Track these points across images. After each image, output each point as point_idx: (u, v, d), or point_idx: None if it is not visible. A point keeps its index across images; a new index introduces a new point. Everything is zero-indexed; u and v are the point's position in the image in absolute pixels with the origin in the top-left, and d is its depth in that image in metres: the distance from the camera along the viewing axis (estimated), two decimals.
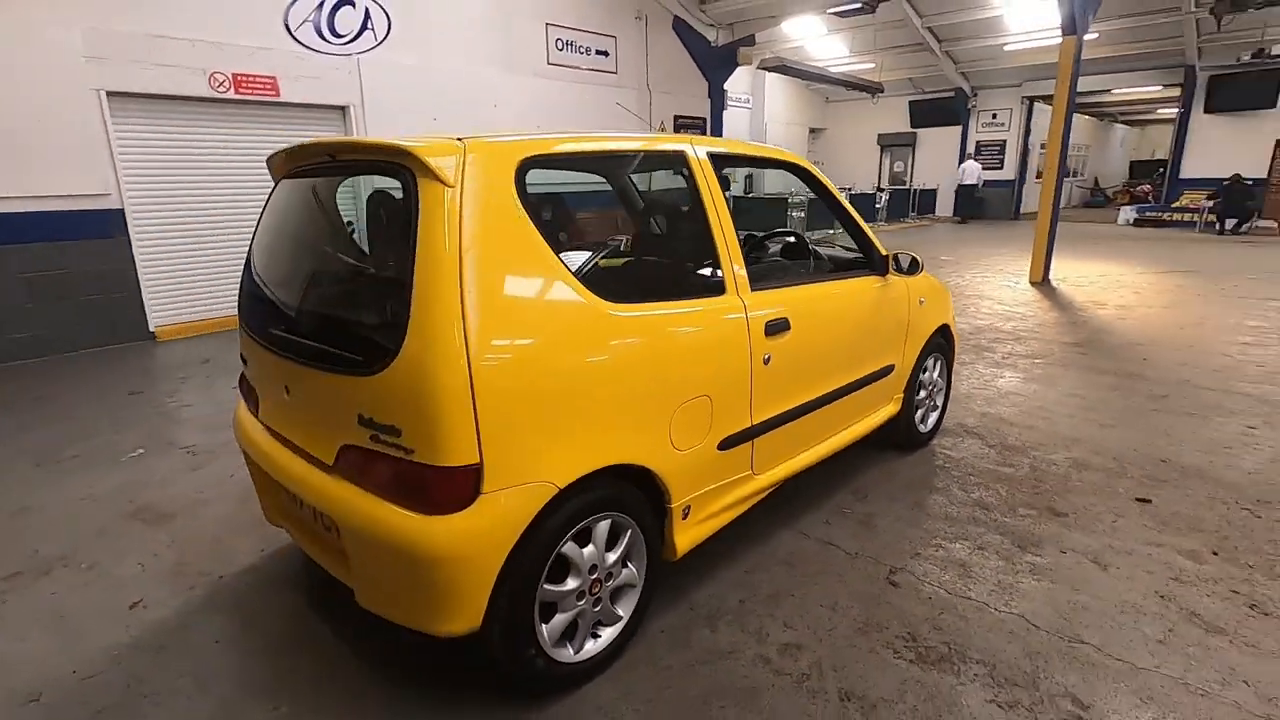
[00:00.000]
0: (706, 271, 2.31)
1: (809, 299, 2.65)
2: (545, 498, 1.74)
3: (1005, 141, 19.12)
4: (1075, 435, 3.80)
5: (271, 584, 2.56)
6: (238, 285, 2.44)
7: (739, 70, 12.42)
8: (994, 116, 19.16)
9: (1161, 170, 19.52)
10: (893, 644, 2.15)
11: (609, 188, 3.49)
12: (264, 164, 2.35)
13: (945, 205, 19.80)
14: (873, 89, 17.91)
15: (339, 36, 7.29)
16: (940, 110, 19.52)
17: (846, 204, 3.03)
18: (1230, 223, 14.32)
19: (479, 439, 1.62)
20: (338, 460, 1.84)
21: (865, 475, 3.32)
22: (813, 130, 21.78)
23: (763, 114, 18.18)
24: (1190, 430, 3.85)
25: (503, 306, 1.69)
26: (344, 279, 2.10)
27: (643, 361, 1.97)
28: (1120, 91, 18.60)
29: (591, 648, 2.00)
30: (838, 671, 2.03)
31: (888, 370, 3.16)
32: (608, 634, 2.04)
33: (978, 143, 19.50)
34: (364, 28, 7.47)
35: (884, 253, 3.07)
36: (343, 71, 7.35)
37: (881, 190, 18.44)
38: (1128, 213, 16.88)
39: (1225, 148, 15.49)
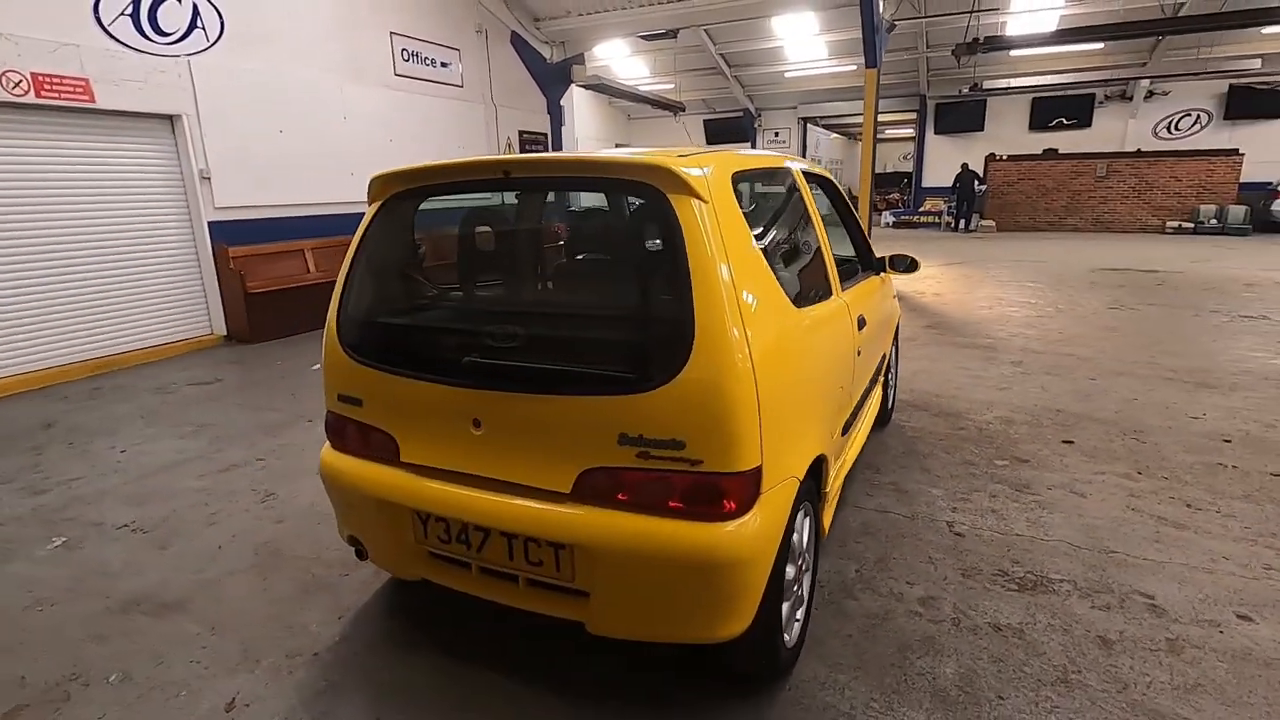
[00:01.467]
0: (821, 275, 2.54)
1: (863, 296, 3.00)
2: (794, 491, 1.86)
3: None
4: (987, 399, 4.62)
5: (386, 644, 2.29)
6: (332, 323, 2.16)
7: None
8: (776, 134, 21.59)
9: (906, 181, 23.40)
10: (995, 580, 2.55)
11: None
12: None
13: None
14: (675, 108, 19.23)
15: (164, 35, 6.29)
16: (731, 128, 21.53)
17: (855, 211, 3.44)
18: (963, 223, 17.68)
19: (761, 441, 1.70)
20: (578, 486, 1.78)
21: (863, 452, 3.77)
22: (618, 145, 22.79)
23: (574, 130, 18.67)
24: (1057, 385, 4.87)
25: (754, 311, 1.77)
26: (591, 298, 2.01)
27: (820, 356, 2.16)
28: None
29: (796, 631, 2.13)
30: (975, 610, 2.38)
31: (887, 357, 3.64)
32: (800, 616, 2.18)
33: None
34: (193, 26, 6.51)
35: (877, 255, 3.53)
36: (171, 75, 6.34)
37: None
38: (888, 217, 20.03)
39: (953, 162, 19.03)
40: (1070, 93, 17.44)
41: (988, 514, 3.06)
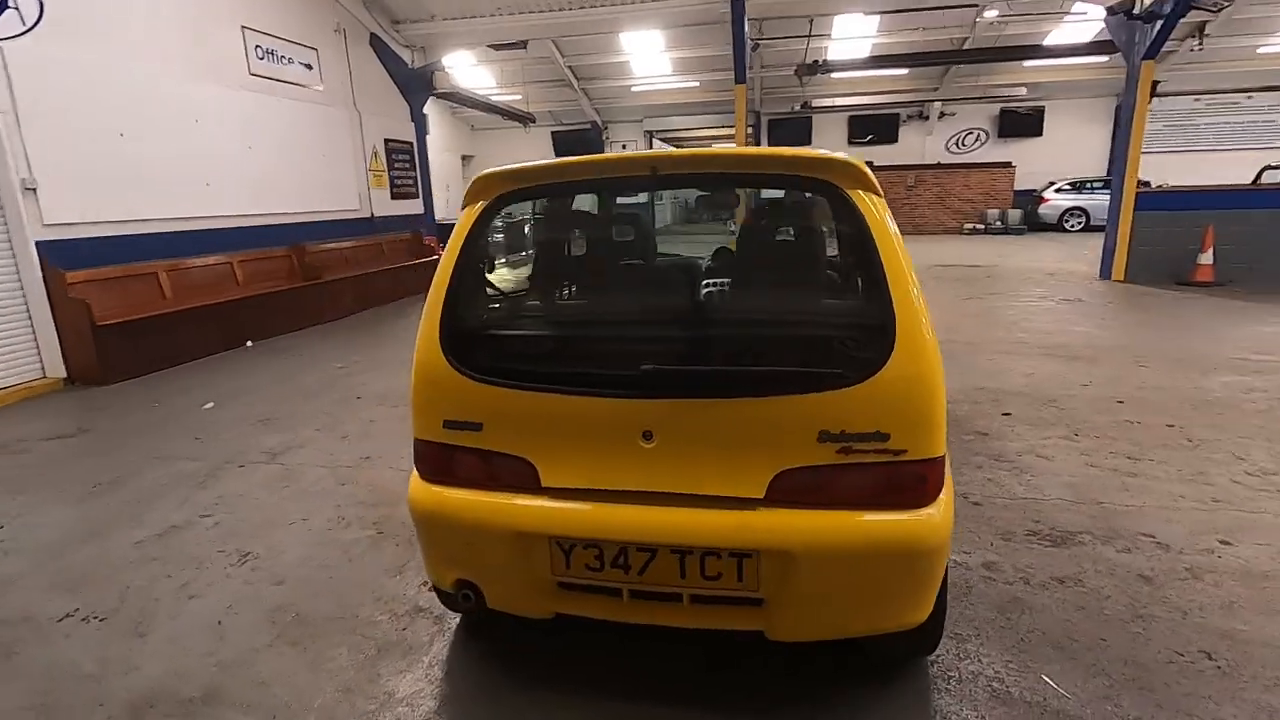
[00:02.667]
0: None
1: None
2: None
3: None
4: None
5: (499, 691, 2.06)
6: (432, 340, 1.90)
7: None
8: (624, 147, 22.08)
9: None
10: (1029, 540, 2.84)
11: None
12: None
13: None
14: (526, 119, 19.03)
15: None
16: (579, 140, 21.69)
17: None
18: None
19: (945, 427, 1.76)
20: (772, 489, 1.73)
21: None
22: (464, 157, 22.06)
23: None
24: (965, 367, 5.48)
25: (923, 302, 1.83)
26: (778, 297, 1.90)
27: None
28: (709, 130, 23.33)
29: None
30: (1032, 568, 2.63)
31: None
32: None
33: None
34: (1, 4, 5.36)
35: None
36: None
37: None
38: (732, 226, 21.28)
39: None
40: (880, 112, 19.69)
41: (987, 483, 3.38)
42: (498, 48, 13.89)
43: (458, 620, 2.43)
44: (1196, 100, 18.02)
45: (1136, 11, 8.72)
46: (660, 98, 19.87)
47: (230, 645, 2.34)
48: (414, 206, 11.36)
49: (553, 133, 21.76)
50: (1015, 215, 18.12)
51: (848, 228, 1.72)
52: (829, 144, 20.34)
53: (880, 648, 2.07)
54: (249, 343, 7.18)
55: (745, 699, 2.02)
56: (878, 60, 15.10)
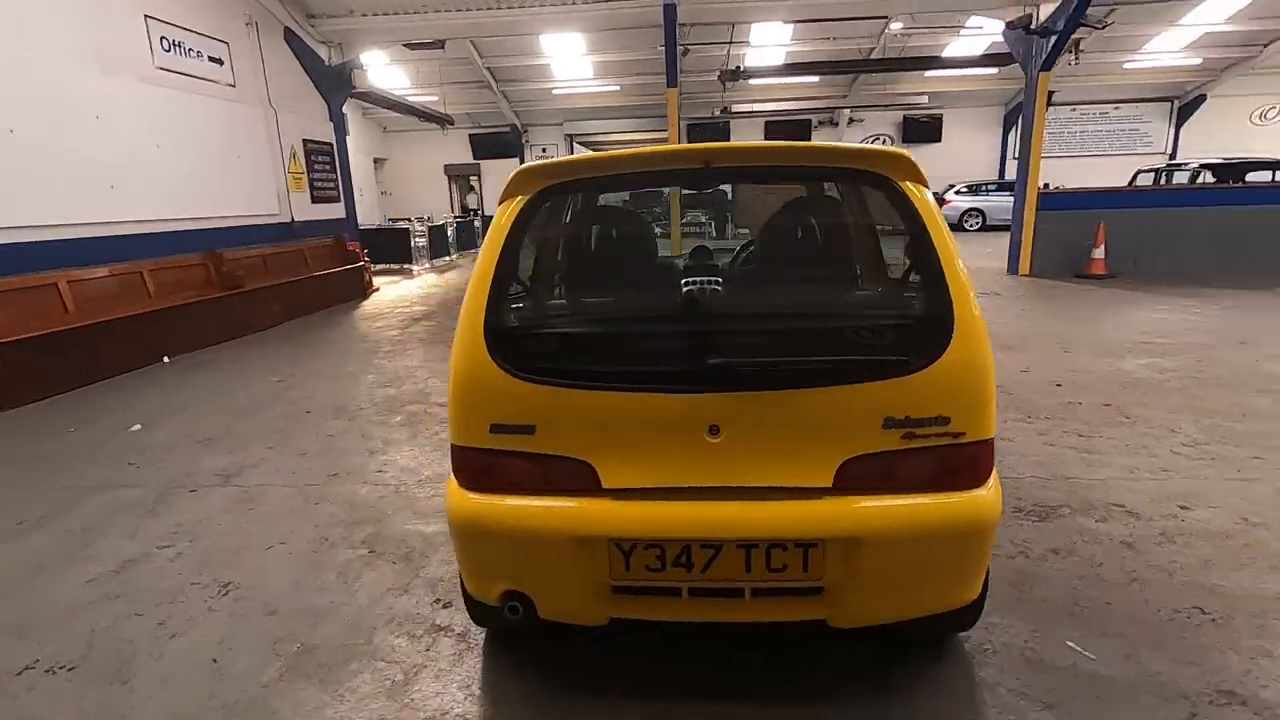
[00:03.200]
0: None
1: None
2: None
3: None
4: None
5: (548, 697, 1.97)
6: (475, 341, 1.81)
7: None
8: (544, 150, 21.88)
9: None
10: (1017, 517, 3.01)
11: None
12: None
13: None
14: (445, 121, 18.51)
15: None
16: (498, 143, 21.34)
17: None
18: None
19: None
20: (840, 477, 1.75)
21: None
22: (377, 160, 21.20)
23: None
24: None
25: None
26: (842, 288, 1.88)
27: None
28: (628, 134, 23.48)
29: None
30: (1028, 542, 2.79)
31: None
32: None
33: None
34: None
35: None
36: None
37: (470, 215, 19.20)
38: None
39: None
40: (793, 118, 20.42)
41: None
42: (414, 46, 13.48)
43: (483, 635, 2.32)
44: (1073, 110, 19.74)
45: (1033, 27, 9.45)
46: (581, 101, 19.83)
47: (233, 684, 2.14)
48: (335, 210, 10.81)
49: (471, 135, 21.30)
50: None
51: (904, 219, 1.76)
52: None
53: (924, 628, 2.13)
54: (166, 358, 6.61)
55: (804, 686, 2.03)
56: (793, 68, 15.66)
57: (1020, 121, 10.76)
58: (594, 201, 2.52)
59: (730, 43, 14.46)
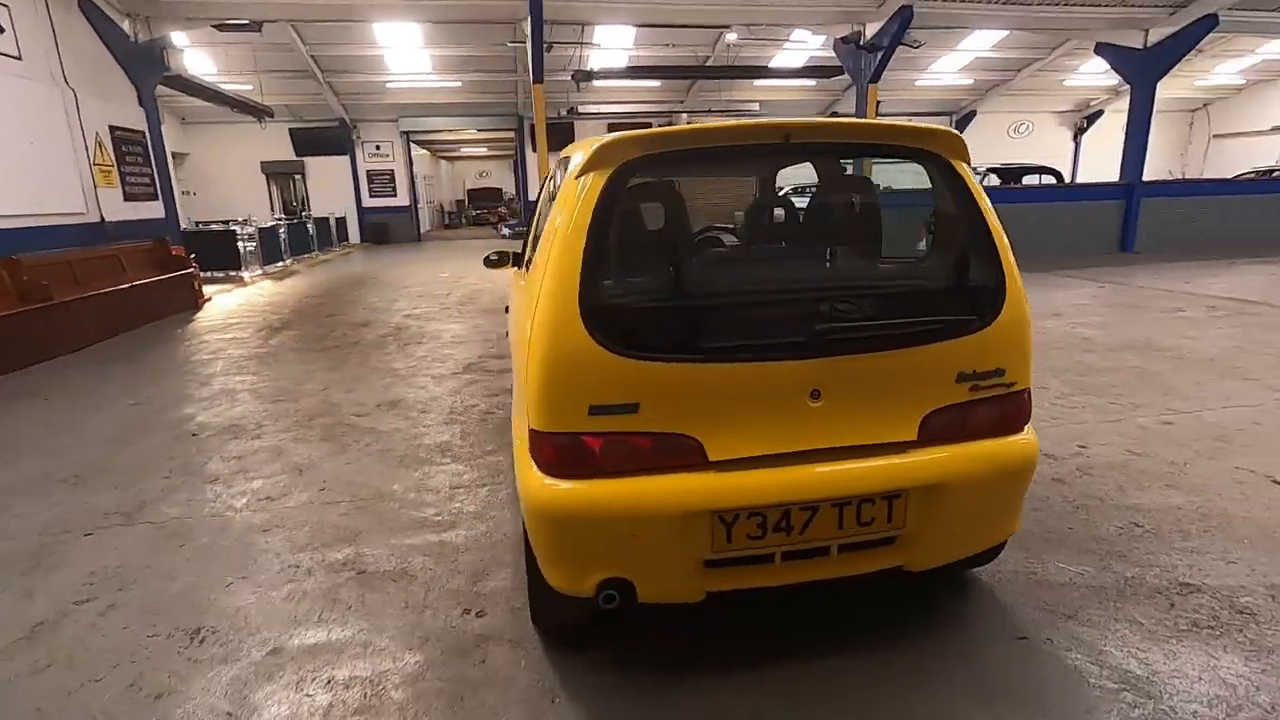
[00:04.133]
0: None
1: None
2: None
3: (394, 171, 20.81)
4: None
5: (627, 695, 1.93)
6: (571, 320, 1.72)
7: None
8: (378, 148, 20.56)
9: (514, 195, 24.88)
10: None
11: None
12: None
13: (356, 233, 20.38)
14: (263, 112, 16.74)
15: None
16: (324, 139, 19.71)
17: None
18: None
19: None
20: (922, 429, 1.89)
21: None
22: (175, 154, 18.61)
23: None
24: None
25: None
26: (917, 256, 1.95)
27: None
28: (469, 133, 22.79)
29: None
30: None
31: None
32: None
33: (369, 172, 20.60)
34: None
35: None
36: None
37: (299, 216, 17.51)
38: (505, 229, 21.08)
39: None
40: (635, 120, 20.98)
41: None
42: (225, 28, 12.08)
43: (533, 639, 2.20)
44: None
45: (862, 43, 10.56)
46: (418, 97, 18.88)
47: None
48: (153, 209, 9.39)
49: (292, 130, 19.46)
50: None
51: (953, 193, 1.94)
52: None
53: (967, 565, 2.35)
54: None
55: (867, 634, 2.16)
56: (643, 70, 16.09)
57: None
58: (674, 176, 2.48)
59: (580, 43, 14.54)
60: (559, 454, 1.79)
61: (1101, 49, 12.15)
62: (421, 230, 22.08)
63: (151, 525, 3.06)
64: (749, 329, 1.84)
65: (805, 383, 1.81)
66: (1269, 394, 4.30)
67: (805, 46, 16.32)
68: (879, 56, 10.38)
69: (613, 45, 16.26)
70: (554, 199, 2.72)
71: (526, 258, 2.81)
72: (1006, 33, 16.41)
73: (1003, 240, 1.95)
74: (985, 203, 1.96)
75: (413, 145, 22.19)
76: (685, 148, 1.84)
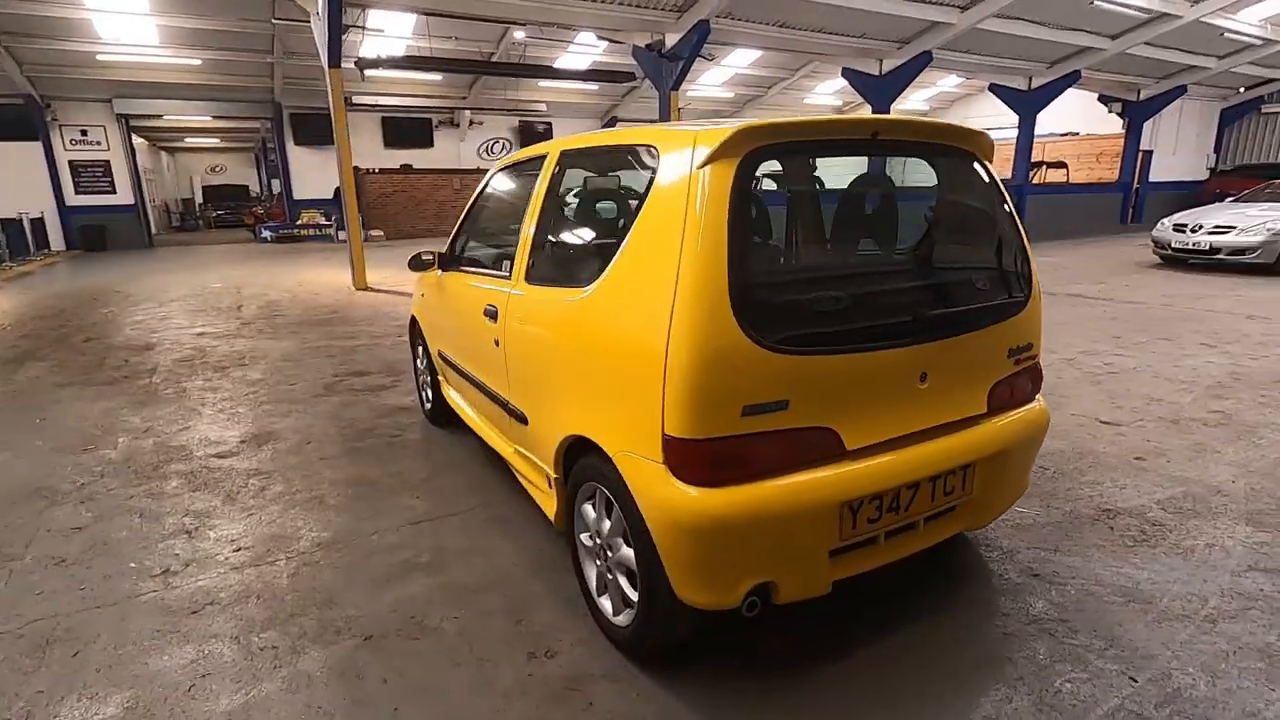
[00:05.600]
0: None
1: None
2: None
3: (109, 163, 17.11)
4: None
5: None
6: (724, 320, 1.62)
7: None
8: (84, 133, 16.76)
9: (269, 194, 21.87)
10: None
11: None
12: None
13: (59, 238, 16.41)
14: None
15: None
16: (4, 121, 15.58)
17: None
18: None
19: None
20: (990, 401, 2.10)
21: None
22: None
23: None
24: None
25: None
26: (979, 245, 2.04)
27: None
28: (201, 120, 19.57)
29: None
30: None
31: None
32: None
33: (73, 163, 16.70)
34: None
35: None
36: None
37: None
38: (266, 232, 18.50)
39: (321, 174, 18.93)
40: (413, 115, 19.76)
41: None
42: None
43: (624, 668, 2.02)
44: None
45: (664, 52, 11.11)
46: (142, 74, 15.75)
47: None
48: None
49: None
50: None
51: (984, 189, 2.16)
52: (364, 145, 19.36)
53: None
54: None
55: (897, 612, 2.30)
56: (431, 61, 15.13)
57: None
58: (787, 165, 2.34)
59: (359, 28, 13.27)
60: (712, 460, 1.67)
61: (847, 73, 14.19)
62: (152, 233, 18.48)
63: (3, 634, 2.22)
64: (881, 316, 1.89)
65: (918, 366, 1.91)
66: (1053, 356, 5.39)
67: (590, 51, 16.69)
68: (680, 66, 11.00)
69: (392, 34, 15.14)
70: (549, 193, 2.52)
71: (532, 262, 2.52)
72: (761, 52, 18.43)
73: (1024, 233, 2.24)
74: (1009, 201, 2.23)
75: (134, 133, 18.50)
76: (800, 139, 1.82)
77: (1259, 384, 4.56)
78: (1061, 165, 18.35)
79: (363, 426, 4.08)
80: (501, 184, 3.19)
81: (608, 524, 2.03)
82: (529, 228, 2.52)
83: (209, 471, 3.49)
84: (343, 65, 12.92)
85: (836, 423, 1.80)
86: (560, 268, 2.49)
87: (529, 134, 21.42)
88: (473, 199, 3.31)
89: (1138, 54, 15.03)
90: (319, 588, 2.45)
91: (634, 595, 1.95)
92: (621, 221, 2.04)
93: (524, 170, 2.86)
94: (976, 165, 2.17)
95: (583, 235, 2.61)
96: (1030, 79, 15.89)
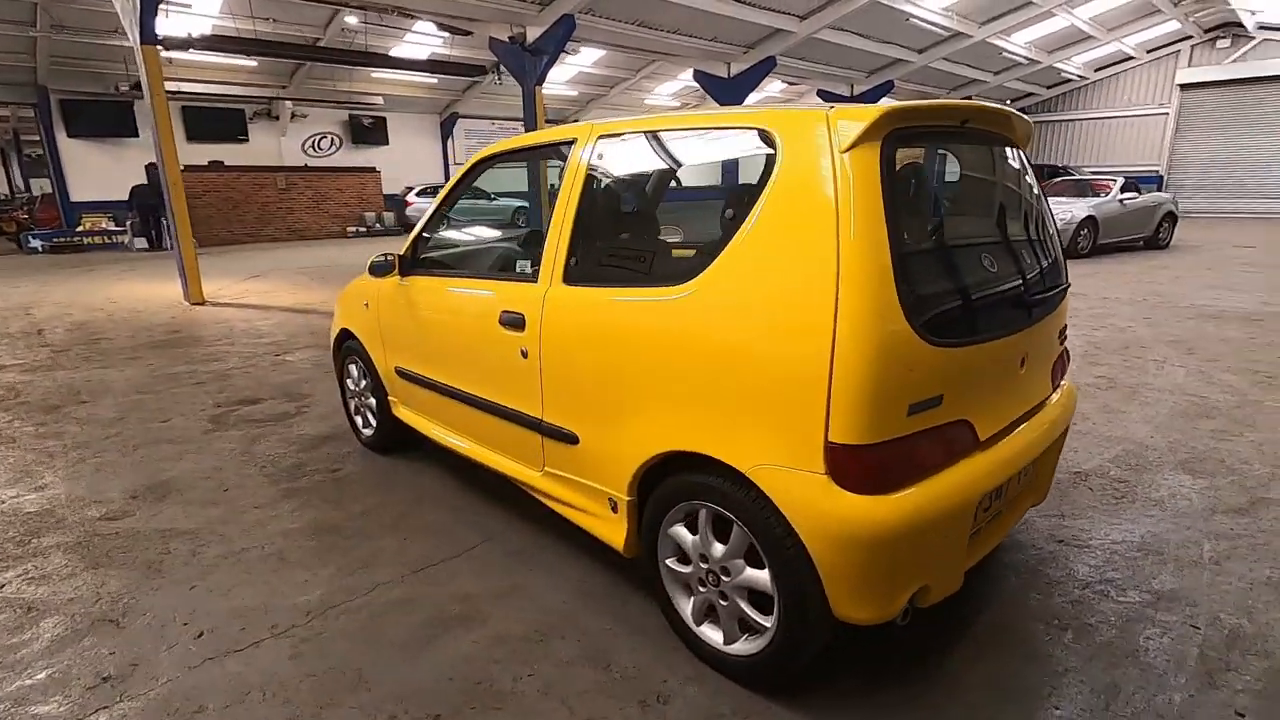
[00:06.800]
0: None
1: None
2: None
3: None
4: None
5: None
6: (891, 313, 1.51)
7: None
8: None
9: (31, 196, 18.20)
10: None
11: None
12: None
13: None
14: None
15: None
16: None
17: None
18: (155, 239, 15.56)
19: None
20: (1053, 380, 2.18)
21: None
22: None
23: None
24: None
25: None
26: (1043, 229, 2.03)
27: None
28: None
29: None
30: None
31: None
32: None
33: None
34: None
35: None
36: None
37: None
38: (36, 242, 15.39)
39: (107, 172, 16.15)
40: (222, 105, 17.47)
41: None
42: None
43: (750, 699, 1.85)
44: (493, 124, 22.77)
45: (527, 45, 10.73)
46: None
47: None
48: None
49: None
50: (390, 217, 19.28)
51: (1020, 175, 2.23)
52: None
53: None
54: None
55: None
56: (251, 43, 13.40)
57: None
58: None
59: (166, 5, 11.39)
60: (883, 465, 1.56)
61: (698, 75, 14.66)
62: None
63: None
64: (1010, 304, 1.88)
65: (1021, 352, 1.93)
66: None
67: (430, 42, 15.75)
68: (544, 60, 10.69)
69: (201, 10, 13.21)
70: (588, 183, 2.25)
71: (573, 261, 2.22)
72: (604, 51, 18.51)
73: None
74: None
75: None
76: (928, 123, 1.75)
77: (1116, 350, 5.30)
78: None
79: (288, 463, 3.46)
80: (492, 177, 2.82)
81: (719, 547, 1.84)
82: (563, 223, 2.23)
83: (102, 540, 2.75)
84: (160, 41, 11.16)
85: (971, 414, 1.76)
86: (626, 266, 2.23)
87: (359, 129, 19.83)
88: (444, 195, 2.89)
89: (937, 67, 17.09)
90: (337, 666, 2.00)
91: (762, 621, 1.79)
92: (730, 212, 1.84)
93: (530, 160, 2.55)
94: (1018, 152, 2.24)
95: (658, 230, 2.37)
96: (852, 86, 17.47)
